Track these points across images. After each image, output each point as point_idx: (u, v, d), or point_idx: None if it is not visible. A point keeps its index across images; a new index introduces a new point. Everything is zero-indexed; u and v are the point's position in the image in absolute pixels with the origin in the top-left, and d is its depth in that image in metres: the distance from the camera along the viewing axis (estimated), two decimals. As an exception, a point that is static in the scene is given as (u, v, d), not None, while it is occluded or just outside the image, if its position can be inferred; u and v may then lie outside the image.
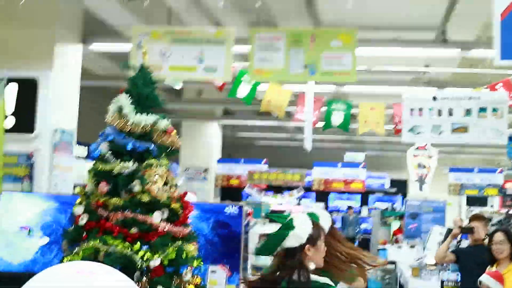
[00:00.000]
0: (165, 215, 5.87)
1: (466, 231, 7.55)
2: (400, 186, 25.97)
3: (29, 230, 6.27)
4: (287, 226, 3.89)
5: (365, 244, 23.90)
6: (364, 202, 25.62)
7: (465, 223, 8.53)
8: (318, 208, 3.98)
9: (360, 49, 8.33)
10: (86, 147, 14.40)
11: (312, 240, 3.83)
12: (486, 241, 7.04)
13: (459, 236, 8.89)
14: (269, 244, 3.95)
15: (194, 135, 18.56)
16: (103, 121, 6.15)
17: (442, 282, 8.60)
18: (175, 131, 6.24)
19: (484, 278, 6.09)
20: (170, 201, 5.93)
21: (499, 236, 6.40)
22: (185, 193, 6.33)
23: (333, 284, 3.83)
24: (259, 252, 4.00)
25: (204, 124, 18.61)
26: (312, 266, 3.80)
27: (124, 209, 5.80)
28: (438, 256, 7.62)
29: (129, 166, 5.87)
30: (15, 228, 6.29)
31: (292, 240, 3.82)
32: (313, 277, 3.79)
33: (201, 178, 18.43)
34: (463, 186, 17.58)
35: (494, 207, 27.22)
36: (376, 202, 25.13)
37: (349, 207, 22.95)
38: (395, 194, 25.80)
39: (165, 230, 5.78)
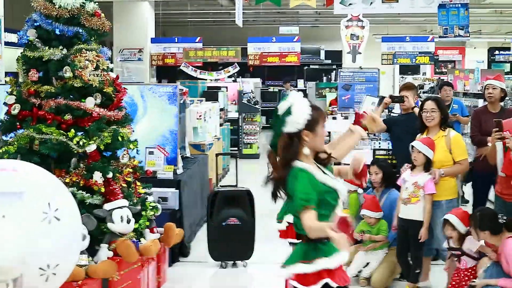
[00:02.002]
0: (98, 100, 5.87)
1: (397, 100, 7.69)
2: (335, 58, 26.15)
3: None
4: (287, 112, 3.95)
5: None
6: (300, 75, 25.78)
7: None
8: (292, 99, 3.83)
9: None
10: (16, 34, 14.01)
11: (310, 125, 3.92)
12: (416, 109, 7.20)
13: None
14: (274, 131, 4.05)
15: (126, 15, 18.13)
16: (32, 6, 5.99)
17: (374, 150, 8.81)
18: (102, 14, 6.14)
19: (416, 143, 6.28)
20: (103, 85, 5.91)
21: (430, 105, 6.48)
22: (117, 77, 6.31)
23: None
24: (271, 143, 4.06)
25: (136, 3, 18.17)
26: (306, 151, 3.91)
27: (57, 96, 5.77)
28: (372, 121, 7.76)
29: (59, 52, 5.80)
30: None
31: (290, 126, 3.92)
32: (298, 163, 3.90)
33: (136, 59, 18.20)
34: (396, 55, 17.74)
35: (426, 75, 27.79)
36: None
37: (285, 81, 22.25)
38: (330, 65, 25.98)
39: (99, 114, 5.80)
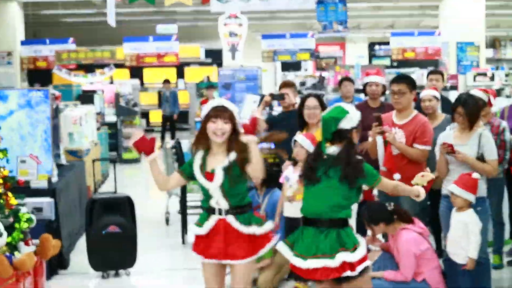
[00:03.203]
0: (-41, 107, 5.47)
1: (277, 97, 7.64)
2: (215, 56, 26.06)
3: None
4: (341, 110, 4.67)
5: (184, 118, 24.09)
6: (180, 75, 25.52)
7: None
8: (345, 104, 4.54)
9: None
10: None
11: (358, 126, 4.70)
12: (297, 105, 7.19)
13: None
14: (327, 126, 4.66)
15: (-7, 16, 17.41)
16: None
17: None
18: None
19: (299, 137, 6.22)
20: (-35, 91, 5.52)
21: (312, 101, 6.50)
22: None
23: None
24: (324, 135, 4.68)
25: (2, 3, 17.44)
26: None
27: None
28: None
29: None
30: None
31: (346, 123, 4.63)
32: None
33: (5, 63, 17.48)
34: (276, 52, 17.87)
35: (308, 71, 28.19)
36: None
37: (165, 81, 20.85)
38: (210, 64, 25.85)
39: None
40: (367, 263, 4.58)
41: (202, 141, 4.59)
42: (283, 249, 4.71)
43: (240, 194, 4.59)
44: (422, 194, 4.85)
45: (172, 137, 18.54)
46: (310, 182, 4.68)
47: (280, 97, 7.55)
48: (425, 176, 5.13)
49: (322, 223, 4.56)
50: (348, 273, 4.43)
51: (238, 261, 4.50)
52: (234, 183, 4.51)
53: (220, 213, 4.55)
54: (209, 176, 4.53)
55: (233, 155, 4.52)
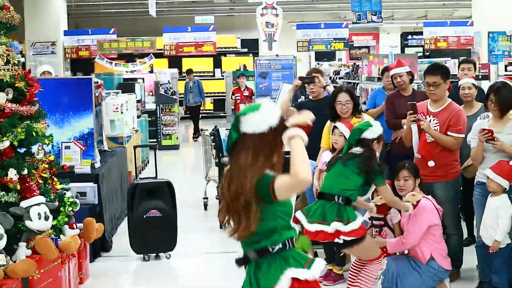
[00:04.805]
0: (10, 95, 5.71)
1: (307, 81, 7.29)
2: (252, 46, 26.22)
3: None
4: (367, 124, 5.62)
5: (221, 105, 24.30)
6: (217, 65, 25.75)
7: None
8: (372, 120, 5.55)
9: None
10: None
11: (379, 139, 5.50)
12: (329, 88, 7.21)
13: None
14: (353, 134, 5.60)
15: (37, 8, 17.72)
16: None
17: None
18: (12, 7, 5.97)
19: (339, 125, 6.26)
20: (15, 80, 5.76)
21: (344, 96, 6.47)
22: (29, 71, 6.16)
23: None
24: (349, 141, 5.63)
25: (47, -5, 17.81)
26: None
27: (-34, 93, 5.58)
28: (281, 110, 7.61)
29: (-34, 47, 5.61)
30: None
31: (370, 133, 5.47)
32: None
33: (49, 52, 17.81)
34: (311, 42, 17.93)
35: (342, 61, 28.19)
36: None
37: (188, 70, 19.71)
38: (246, 54, 26.02)
39: (11, 110, 5.65)
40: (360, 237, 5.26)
41: None
42: (300, 216, 5.37)
43: None
44: (410, 210, 5.61)
45: (196, 128, 18.65)
46: (330, 167, 5.55)
47: (310, 80, 7.24)
48: (416, 196, 5.70)
49: (329, 197, 5.32)
50: (339, 240, 5.21)
51: None
52: None
53: None
54: None
55: None
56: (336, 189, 5.34)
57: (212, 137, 9.05)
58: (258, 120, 3.36)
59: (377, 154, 5.55)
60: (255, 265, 3.46)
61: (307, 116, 3.39)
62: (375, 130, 5.52)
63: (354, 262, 5.76)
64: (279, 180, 3.26)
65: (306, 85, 7.34)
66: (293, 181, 3.19)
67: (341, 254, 6.52)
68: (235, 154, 3.40)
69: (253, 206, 3.32)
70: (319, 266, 3.46)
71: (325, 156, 6.45)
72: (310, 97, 7.56)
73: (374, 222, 6.05)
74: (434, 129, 6.15)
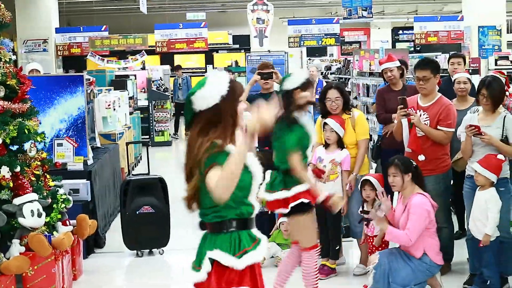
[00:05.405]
0: (2, 92, 5.72)
1: (266, 76, 7.24)
2: (243, 42, 26.23)
3: None
4: (288, 74, 5.64)
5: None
6: (209, 61, 25.76)
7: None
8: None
9: None
10: None
11: (302, 87, 5.38)
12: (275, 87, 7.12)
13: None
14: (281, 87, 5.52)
15: (28, 5, 17.69)
16: None
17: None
18: (2, 5, 5.97)
19: (330, 121, 6.34)
20: (6, 77, 5.77)
21: (333, 93, 6.50)
22: (21, 68, 6.16)
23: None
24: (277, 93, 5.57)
25: (38, -8, 17.77)
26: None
27: (-43, 90, 5.59)
28: None
29: (-43, 45, 5.62)
30: None
31: (289, 83, 5.39)
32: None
33: (41, 50, 17.79)
34: (302, 38, 17.97)
35: (333, 56, 28.24)
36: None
37: (177, 67, 19.77)
38: (238, 50, 26.03)
39: (3, 108, 5.66)
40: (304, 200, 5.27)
41: None
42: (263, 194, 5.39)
43: None
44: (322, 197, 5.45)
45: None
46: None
47: (269, 76, 7.26)
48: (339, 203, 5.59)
49: (277, 169, 5.38)
50: (282, 210, 5.36)
51: None
52: None
53: None
54: None
55: None
56: (279, 160, 5.39)
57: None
58: (208, 94, 3.42)
59: (313, 100, 5.69)
60: (202, 238, 3.64)
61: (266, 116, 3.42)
62: (295, 79, 5.43)
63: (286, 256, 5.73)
64: (211, 174, 3.33)
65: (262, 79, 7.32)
66: (211, 191, 3.31)
67: (336, 248, 6.58)
68: (191, 130, 3.51)
69: (194, 175, 3.42)
70: (254, 257, 3.51)
71: (319, 151, 6.51)
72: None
73: (365, 216, 6.11)
74: (424, 124, 6.19)
